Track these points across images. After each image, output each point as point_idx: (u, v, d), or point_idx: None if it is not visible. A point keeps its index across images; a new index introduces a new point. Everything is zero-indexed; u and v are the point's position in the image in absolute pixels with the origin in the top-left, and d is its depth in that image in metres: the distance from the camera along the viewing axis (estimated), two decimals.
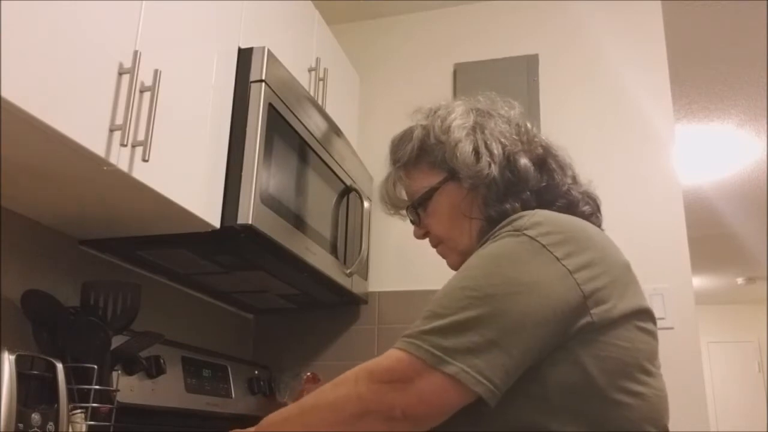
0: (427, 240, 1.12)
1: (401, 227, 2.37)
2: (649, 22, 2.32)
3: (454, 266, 1.07)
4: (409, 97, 2.49)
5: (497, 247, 0.86)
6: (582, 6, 2.41)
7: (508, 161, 0.99)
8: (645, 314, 0.89)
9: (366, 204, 2.09)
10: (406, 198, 1.13)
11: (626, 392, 0.82)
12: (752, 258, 5.79)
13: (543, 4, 2.46)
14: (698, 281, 6.40)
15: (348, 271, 1.98)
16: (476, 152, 1.00)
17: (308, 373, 2.04)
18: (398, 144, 1.13)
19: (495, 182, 0.99)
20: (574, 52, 2.37)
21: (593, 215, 1.01)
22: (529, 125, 1.06)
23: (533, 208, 0.93)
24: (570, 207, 0.98)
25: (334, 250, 1.92)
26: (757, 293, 6.93)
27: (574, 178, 1.05)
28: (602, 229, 1.01)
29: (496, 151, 1.00)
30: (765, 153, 3.84)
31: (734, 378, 7.30)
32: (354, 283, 2.10)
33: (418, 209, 1.09)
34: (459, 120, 1.04)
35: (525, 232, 0.85)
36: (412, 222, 1.12)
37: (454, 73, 2.48)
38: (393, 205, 1.16)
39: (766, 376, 7.32)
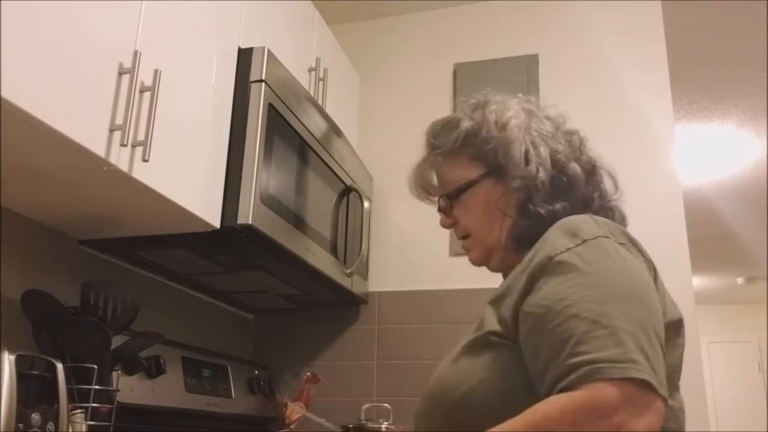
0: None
1: (401, 227, 2.39)
2: (649, 22, 2.32)
3: (476, 261, 1.06)
4: (409, 97, 2.50)
5: (604, 253, 0.81)
6: (582, 6, 2.41)
7: (558, 166, 0.99)
8: (681, 327, 0.88)
9: (366, 204, 2.09)
10: (436, 185, 1.10)
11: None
12: (752, 258, 5.79)
13: (543, 4, 2.46)
14: (698, 281, 6.40)
15: (348, 271, 1.98)
16: (527, 153, 0.99)
17: (308, 373, 2.04)
18: (441, 131, 1.08)
19: (543, 185, 0.97)
20: (574, 52, 2.37)
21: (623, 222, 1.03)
22: (581, 135, 1.06)
23: (571, 213, 0.92)
24: (612, 215, 1.00)
25: (334, 250, 1.92)
26: (757, 293, 6.92)
27: (616, 191, 1.05)
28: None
29: (544, 154, 0.99)
30: (765, 153, 3.84)
31: (734, 378, 7.30)
32: (354, 283, 2.10)
33: (451, 199, 1.06)
34: (516, 119, 1.02)
35: (611, 238, 0.83)
36: (442, 210, 1.09)
37: (454, 73, 2.48)
38: (423, 189, 1.13)
39: (766, 376, 7.32)
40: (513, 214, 0.99)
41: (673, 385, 0.84)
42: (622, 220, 1.04)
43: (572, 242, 0.82)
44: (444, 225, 1.09)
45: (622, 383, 0.68)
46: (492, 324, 0.87)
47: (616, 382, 0.69)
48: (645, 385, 0.69)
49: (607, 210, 1.01)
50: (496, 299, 0.90)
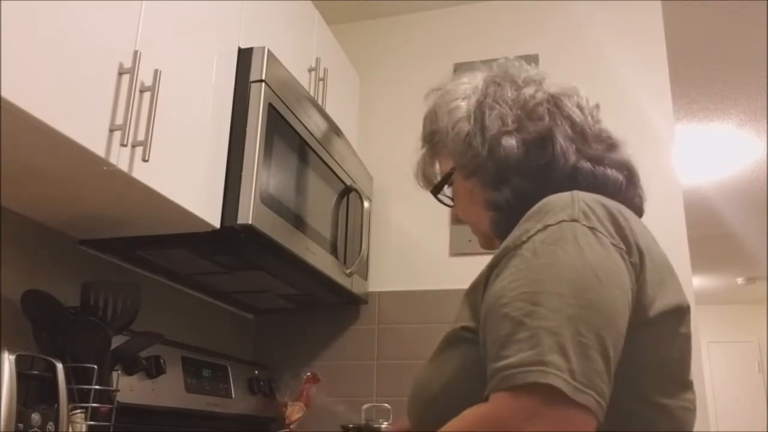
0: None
1: (401, 227, 2.39)
2: (649, 22, 2.32)
3: (483, 246, 1.01)
4: (409, 97, 2.50)
5: (562, 240, 0.73)
6: (582, 6, 2.41)
7: (492, 145, 0.89)
8: (685, 314, 0.79)
9: (366, 204, 2.09)
10: (430, 177, 1.07)
11: (652, 406, 0.74)
12: (752, 258, 5.79)
13: (543, 4, 2.46)
14: (698, 281, 6.40)
15: (348, 271, 1.98)
16: (468, 137, 0.92)
17: (308, 373, 2.04)
18: (424, 122, 1.04)
19: (485, 169, 0.90)
20: (574, 52, 2.37)
21: (622, 187, 0.89)
22: (536, 89, 0.93)
23: (532, 194, 0.83)
24: (584, 184, 0.85)
25: (334, 250, 1.92)
26: (757, 293, 6.93)
27: (608, 141, 0.94)
28: (641, 203, 0.92)
29: (488, 135, 0.90)
30: (765, 153, 3.84)
31: (734, 378, 7.30)
32: (354, 283, 2.10)
33: (439, 195, 1.03)
34: (455, 102, 0.95)
35: (581, 221, 0.74)
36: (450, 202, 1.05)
37: (454, 73, 2.47)
38: (424, 181, 1.08)
39: (766, 376, 7.32)
40: (484, 205, 0.93)
41: (673, 380, 0.77)
42: (616, 184, 0.89)
43: (534, 228, 0.75)
44: (454, 215, 1.05)
45: (525, 391, 0.62)
46: (465, 318, 0.82)
47: (520, 390, 0.63)
48: (553, 391, 0.61)
49: (584, 176, 0.87)
50: (470, 290, 0.85)
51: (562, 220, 0.74)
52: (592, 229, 0.74)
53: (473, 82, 0.98)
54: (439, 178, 1.04)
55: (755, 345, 7.43)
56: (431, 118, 1.00)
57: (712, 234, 5.01)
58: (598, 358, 0.64)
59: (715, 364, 7.32)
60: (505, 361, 0.65)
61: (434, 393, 0.81)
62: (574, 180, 0.86)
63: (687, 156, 3.85)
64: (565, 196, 0.79)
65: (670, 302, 0.77)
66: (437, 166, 1.06)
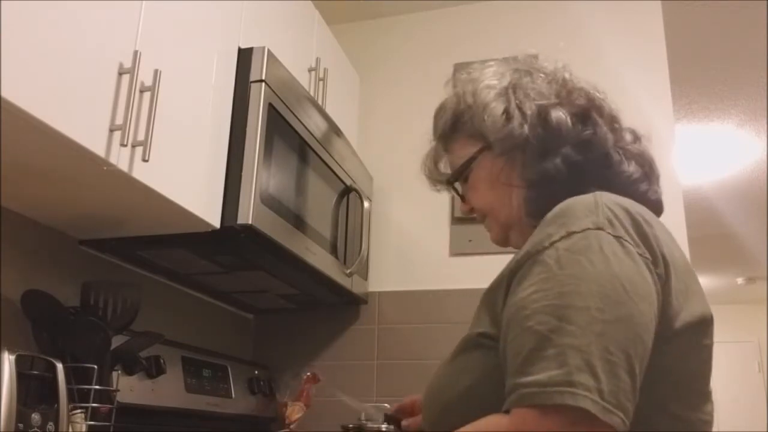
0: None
1: (401, 227, 2.39)
2: (649, 22, 2.32)
3: (495, 240, 1.00)
4: (409, 97, 2.50)
5: (588, 250, 0.71)
6: (582, 6, 2.41)
7: (540, 118, 0.89)
8: (709, 326, 0.79)
9: (366, 204, 2.09)
10: (441, 172, 1.06)
11: (675, 419, 0.74)
12: (752, 258, 5.78)
13: (543, 4, 2.46)
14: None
15: (348, 271, 1.98)
16: (507, 114, 0.91)
17: (308, 373, 2.04)
18: (436, 115, 1.04)
19: (529, 142, 0.89)
20: (574, 52, 2.36)
21: (642, 181, 0.90)
22: (568, 75, 0.98)
23: (579, 166, 0.85)
24: (611, 172, 0.88)
25: (334, 250, 1.92)
26: (757, 293, 6.92)
27: (631, 133, 0.95)
28: (659, 198, 0.93)
29: (528, 111, 0.90)
30: (765, 153, 3.84)
31: (734, 378, 7.29)
32: (354, 283, 2.10)
33: (456, 183, 1.02)
34: (489, 80, 0.96)
35: (606, 229, 0.72)
36: (460, 197, 1.04)
37: (454, 73, 2.47)
38: (434, 180, 1.08)
39: (766, 376, 7.32)
40: (519, 183, 0.91)
41: (695, 393, 0.76)
42: (648, 171, 0.91)
43: (558, 233, 0.74)
44: (462, 211, 1.04)
45: (552, 410, 0.62)
46: (484, 323, 0.81)
47: (545, 409, 0.62)
48: (583, 412, 0.61)
49: (615, 154, 0.89)
50: (488, 293, 0.83)
51: (587, 228, 0.73)
52: (618, 238, 0.72)
53: (501, 68, 0.99)
54: (440, 172, 1.05)
55: (755, 345, 7.43)
56: (458, 101, 0.99)
57: (712, 234, 5.01)
58: (626, 376, 0.64)
59: (715, 364, 7.22)
60: (530, 377, 0.65)
61: (451, 398, 0.81)
62: (607, 165, 0.87)
63: (687, 156, 3.85)
64: (587, 199, 0.77)
65: (695, 313, 0.76)
66: (439, 164, 1.06)
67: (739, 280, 6.65)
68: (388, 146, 2.46)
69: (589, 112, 0.91)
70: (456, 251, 2.24)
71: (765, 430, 6.74)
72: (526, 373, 0.65)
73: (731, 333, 7.47)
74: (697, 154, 3.89)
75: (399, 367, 2.17)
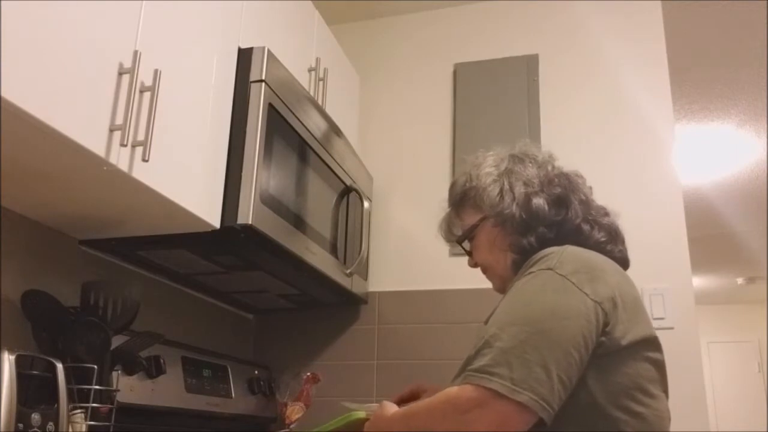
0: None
1: (401, 227, 2.39)
2: (649, 21, 2.32)
3: (496, 289, 1.27)
4: (409, 97, 2.50)
5: (534, 284, 1.02)
6: (582, 6, 2.41)
7: (525, 200, 1.16)
8: (652, 344, 1.04)
9: (366, 204, 2.09)
10: (453, 233, 1.35)
11: (625, 411, 0.97)
12: (752, 258, 5.79)
13: (543, 4, 2.46)
14: (698, 281, 6.40)
15: (348, 271, 1.98)
16: (501, 194, 1.19)
17: (308, 373, 2.04)
18: (451, 188, 1.34)
19: (514, 219, 1.16)
20: (574, 52, 2.37)
21: (608, 243, 1.16)
22: (552, 166, 1.23)
23: (551, 240, 1.11)
24: (582, 237, 1.14)
25: (334, 250, 1.92)
26: (757, 293, 6.93)
27: (603, 209, 1.21)
28: (624, 255, 1.18)
29: (517, 192, 1.18)
30: (765, 153, 3.84)
31: (734, 378, 7.30)
32: (354, 283, 2.10)
33: (463, 244, 1.31)
34: (488, 168, 1.25)
35: (556, 270, 1.01)
36: (467, 253, 1.32)
37: (454, 73, 2.47)
38: (448, 240, 1.38)
39: (766, 376, 7.32)
40: (509, 249, 1.18)
41: (644, 392, 1.00)
42: (609, 237, 1.17)
43: (528, 272, 1.04)
44: (470, 265, 1.32)
45: (481, 388, 0.92)
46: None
47: (476, 387, 0.93)
48: (493, 392, 0.91)
49: (581, 230, 1.15)
50: (488, 319, 1.07)
51: (542, 269, 1.03)
52: (562, 276, 1.00)
53: (500, 155, 1.27)
54: (453, 233, 1.34)
55: (755, 345, 7.43)
56: (466, 180, 1.28)
57: (712, 234, 5.02)
58: (539, 370, 0.91)
59: (715, 364, 7.32)
60: (473, 366, 0.96)
61: None
62: (579, 234, 1.14)
63: (687, 156, 3.85)
64: (555, 249, 1.07)
65: (638, 334, 1.02)
66: (453, 226, 1.34)
67: (739, 280, 6.65)
68: (388, 146, 2.46)
69: (565, 197, 1.17)
70: (456, 252, 2.24)
71: (765, 430, 6.74)
72: (472, 363, 0.96)
73: (731, 333, 7.49)
74: (697, 154, 3.89)
75: (399, 367, 2.17)
